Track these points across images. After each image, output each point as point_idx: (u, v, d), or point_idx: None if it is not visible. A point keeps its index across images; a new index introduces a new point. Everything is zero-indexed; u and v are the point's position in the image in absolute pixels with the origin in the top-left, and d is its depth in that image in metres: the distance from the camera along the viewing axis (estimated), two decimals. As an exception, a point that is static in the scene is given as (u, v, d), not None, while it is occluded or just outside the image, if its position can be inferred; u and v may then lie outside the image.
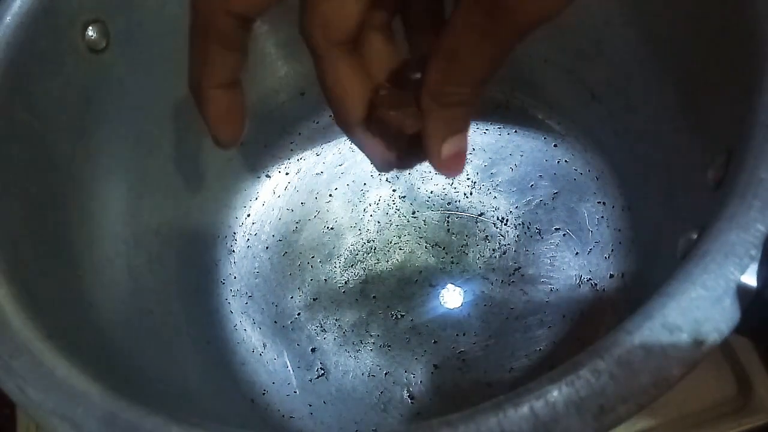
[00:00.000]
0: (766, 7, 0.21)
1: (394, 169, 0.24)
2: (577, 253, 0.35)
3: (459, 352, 0.34)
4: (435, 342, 0.34)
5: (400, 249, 0.38)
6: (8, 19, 0.26)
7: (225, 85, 0.20)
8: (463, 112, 0.20)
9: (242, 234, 0.40)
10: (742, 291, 0.17)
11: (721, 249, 0.17)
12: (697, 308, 0.16)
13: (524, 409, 0.16)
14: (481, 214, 0.38)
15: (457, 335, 0.34)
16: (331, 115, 0.22)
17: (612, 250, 0.35)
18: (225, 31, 0.19)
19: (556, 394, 0.16)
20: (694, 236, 0.21)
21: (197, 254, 0.38)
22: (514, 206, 0.38)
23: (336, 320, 0.36)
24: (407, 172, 0.40)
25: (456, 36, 0.18)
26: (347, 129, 0.22)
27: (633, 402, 0.16)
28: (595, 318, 0.33)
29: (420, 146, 0.21)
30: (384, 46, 0.21)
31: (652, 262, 0.31)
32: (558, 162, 0.38)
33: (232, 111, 0.21)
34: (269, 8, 0.19)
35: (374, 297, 0.36)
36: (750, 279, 0.17)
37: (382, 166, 0.23)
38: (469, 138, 0.21)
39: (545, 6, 0.17)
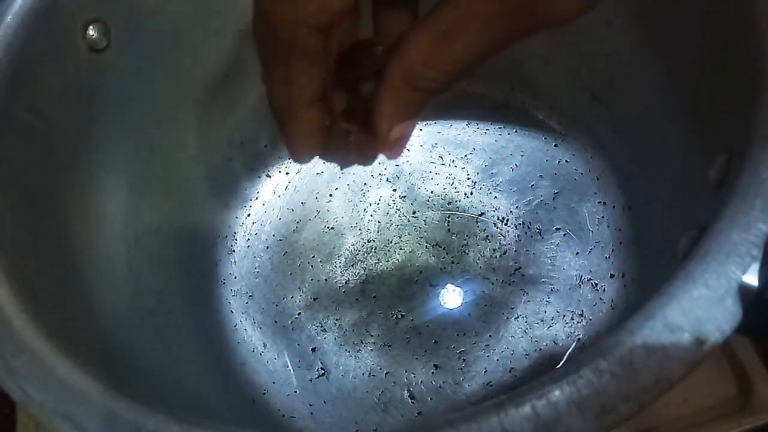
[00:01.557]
0: (768, 7, 0.21)
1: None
2: (577, 253, 0.35)
3: (459, 352, 0.34)
4: (435, 342, 0.34)
5: (401, 249, 0.38)
6: (9, 18, 0.26)
7: (314, 101, 0.19)
8: (428, 99, 0.18)
9: (242, 234, 0.40)
10: (744, 291, 0.17)
11: (722, 249, 0.17)
12: (698, 308, 0.16)
13: (526, 408, 0.16)
14: (482, 214, 0.38)
15: (457, 335, 0.34)
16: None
17: (612, 250, 0.35)
18: (308, 45, 0.17)
19: (557, 393, 0.16)
20: (696, 236, 0.21)
21: (198, 254, 0.38)
22: (515, 206, 0.38)
23: (336, 320, 0.36)
24: (408, 171, 0.40)
25: (454, 19, 0.16)
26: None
27: (635, 401, 0.16)
28: (595, 318, 0.33)
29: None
30: (347, 23, 0.19)
31: (653, 262, 0.31)
32: (558, 162, 0.38)
33: (319, 127, 0.20)
34: (347, 14, 0.17)
35: (375, 297, 0.36)
36: (752, 279, 0.17)
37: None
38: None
39: (572, 10, 0.15)
